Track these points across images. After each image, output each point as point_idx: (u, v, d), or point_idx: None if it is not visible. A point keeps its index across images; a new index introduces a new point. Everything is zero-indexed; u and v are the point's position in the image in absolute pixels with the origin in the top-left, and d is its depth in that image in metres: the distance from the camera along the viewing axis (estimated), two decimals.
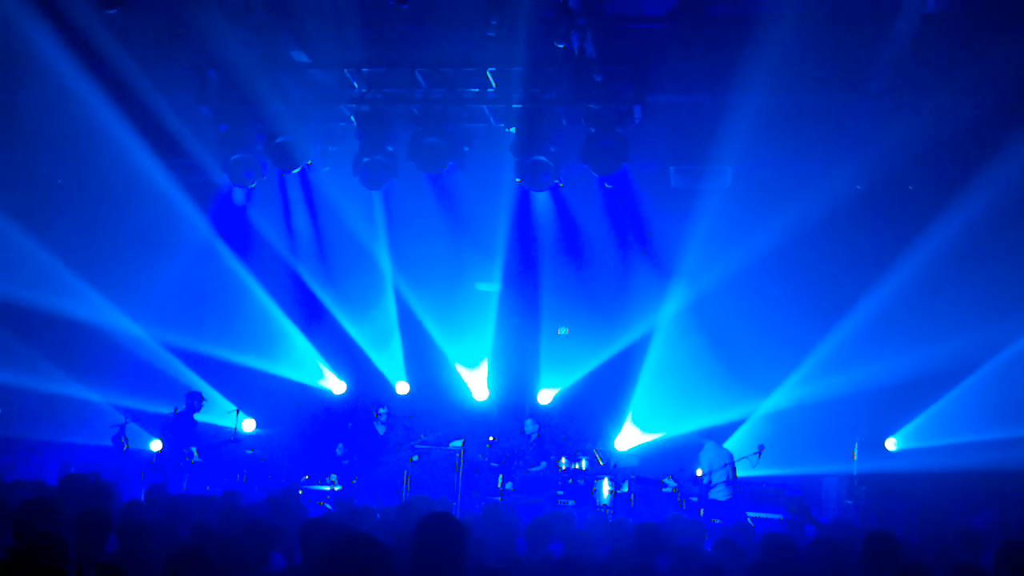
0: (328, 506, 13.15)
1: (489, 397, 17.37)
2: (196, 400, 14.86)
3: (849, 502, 14.60)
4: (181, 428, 14.57)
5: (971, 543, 8.97)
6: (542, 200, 15.86)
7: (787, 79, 12.72)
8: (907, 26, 12.27)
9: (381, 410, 15.69)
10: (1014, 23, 11.62)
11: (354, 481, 14.54)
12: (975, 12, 12.13)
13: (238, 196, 16.27)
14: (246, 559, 5.72)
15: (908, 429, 15.24)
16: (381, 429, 15.55)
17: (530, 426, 15.55)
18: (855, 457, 14.80)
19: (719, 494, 14.09)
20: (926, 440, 14.96)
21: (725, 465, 14.11)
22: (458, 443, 14.98)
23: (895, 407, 15.12)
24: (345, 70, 14.19)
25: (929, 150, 13.34)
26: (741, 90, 12.91)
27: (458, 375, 17.48)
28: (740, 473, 14.25)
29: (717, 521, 13.06)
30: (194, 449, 14.42)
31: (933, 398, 14.91)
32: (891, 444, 15.36)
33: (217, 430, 15.41)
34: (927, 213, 14.31)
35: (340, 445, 15.22)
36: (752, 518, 13.18)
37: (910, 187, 14.62)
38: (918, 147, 13.23)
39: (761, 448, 14.33)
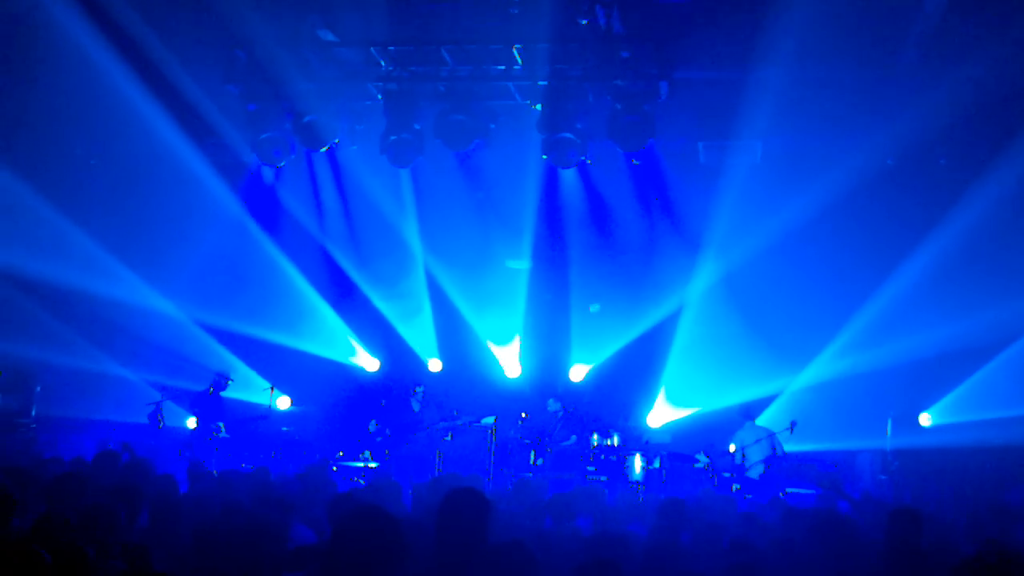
0: (361, 482, 13.32)
1: (521, 374, 17.42)
2: (223, 380, 15.04)
3: (883, 477, 14.52)
4: (209, 405, 14.78)
5: (1003, 519, 8.92)
6: (569, 177, 15.82)
7: (815, 52, 12.59)
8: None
9: (418, 388, 15.78)
10: None
11: (387, 455, 14.66)
12: None
13: (267, 175, 16.39)
14: (270, 533, 5.81)
15: (942, 404, 15.10)
16: (416, 406, 15.65)
17: (552, 405, 15.58)
18: (889, 432, 14.75)
19: (753, 472, 14.07)
20: (960, 415, 14.80)
21: (758, 440, 14.07)
22: (490, 420, 15.07)
23: (929, 381, 14.97)
24: (371, 48, 14.20)
25: (961, 123, 13.20)
26: (768, 64, 12.81)
27: (490, 352, 17.55)
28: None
29: (749, 496, 13.07)
30: (221, 425, 14.59)
31: (968, 372, 14.73)
32: (925, 419, 15.23)
33: (252, 407, 15.61)
34: (960, 186, 14.12)
35: (373, 422, 15.34)
36: (785, 494, 13.15)
37: (942, 160, 14.44)
38: (949, 120, 13.08)
39: (793, 424, 14.27)
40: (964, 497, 13.33)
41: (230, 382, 15.14)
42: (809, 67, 12.92)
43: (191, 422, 15.06)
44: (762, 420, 15.01)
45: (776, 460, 13.99)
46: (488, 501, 5.39)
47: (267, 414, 15.16)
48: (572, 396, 16.07)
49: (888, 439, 14.80)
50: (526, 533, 7.20)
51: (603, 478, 14.17)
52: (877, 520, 8.05)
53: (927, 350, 14.37)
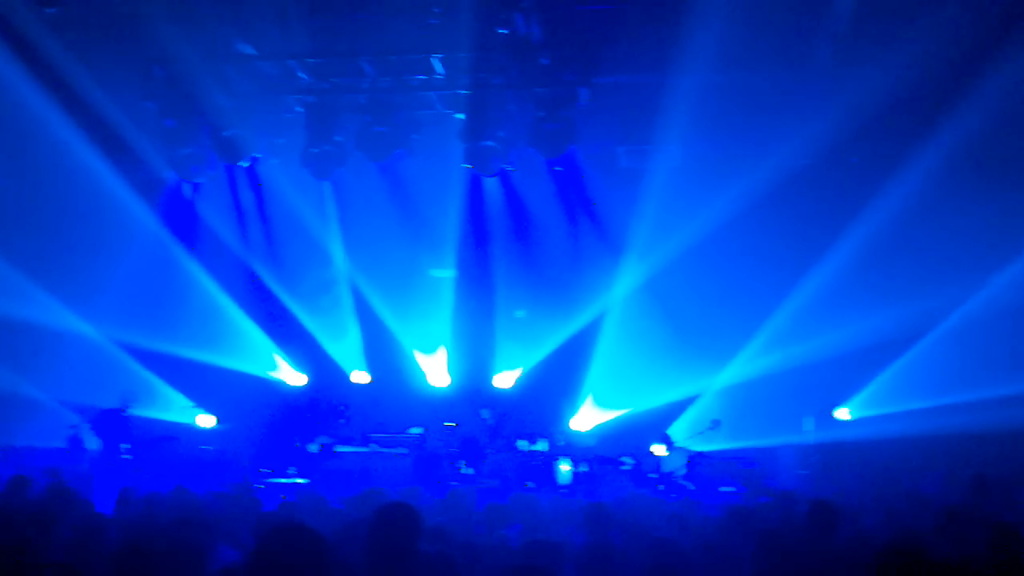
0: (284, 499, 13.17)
1: (448, 383, 17.42)
2: (127, 398, 14.75)
3: (803, 472, 14.84)
4: (114, 427, 14.43)
5: (918, 508, 9.18)
6: (492, 185, 15.90)
7: (731, 57, 12.80)
8: (848, 1, 12.40)
9: (342, 407, 15.70)
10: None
11: (310, 474, 14.54)
12: None
13: (186, 191, 16.18)
14: (192, 554, 5.74)
15: (859, 398, 15.50)
16: (341, 422, 15.56)
17: (485, 413, 15.64)
18: (808, 428, 15.09)
19: (677, 472, 14.29)
20: (876, 408, 15.22)
21: (686, 457, 14.32)
22: (418, 430, 15.07)
23: (846, 377, 15.35)
24: (290, 61, 14.12)
25: (872, 123, 13.49)
26: (686, 69, 12.98)
27: (416, 362, 17.52)
28: (696, 448, 14.48)
29: (675, 496, 13.25)
30: (126, 446, 14.31)
31: (881, 367, 15.17)
32: (843, 413, 15.61)
33: (162, 427, 15.34)
34: (872, 185, 14.51)
35: (298, 438, 15.20)
36: (708, 492, 13.37)
37: (854, 160, 14.80)
38: (861, 120, 13.38)
39: (716, 422, 14.58)
40: (881, 488, 13.67)
41: (132, 406, 14.78)
42: (725, 71, 13.12)
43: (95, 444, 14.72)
44: (687, 417, 15.28)
45: (699, 459, 14.22)
46: (417, 514, 5.39)
47: (176, 434, 14.89)
48: (503, 404, 16.12)
49: (807, 434, 15.15)
50: (455, 544, 7.22)
51: (530, 484, 14.24)
52: (797, 514, 8.24)
53: (843, 346, 14.73)
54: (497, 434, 15.32)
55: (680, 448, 14.64)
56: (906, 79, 12.89)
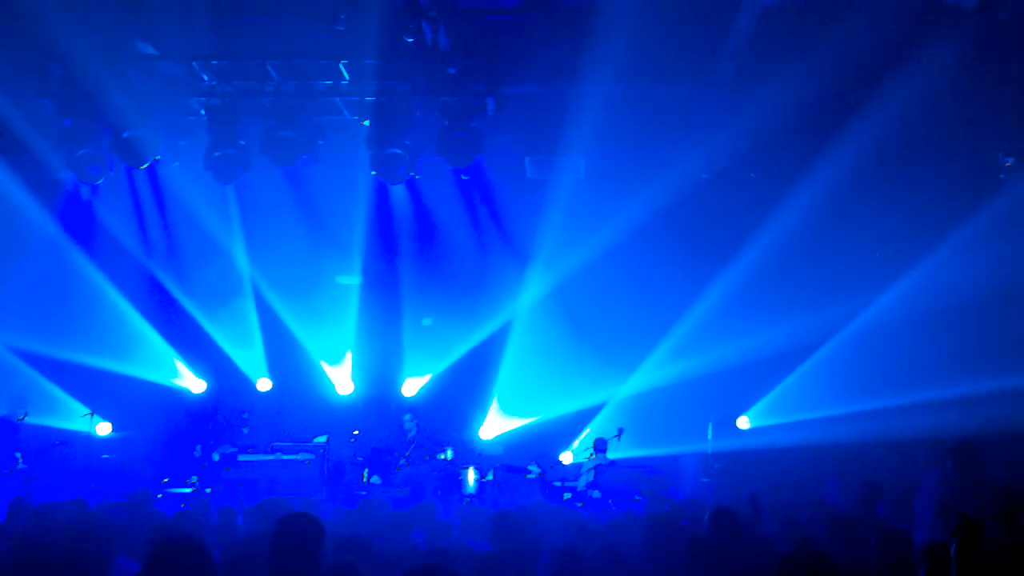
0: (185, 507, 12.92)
1: (354, 391, 17.29)
2: (20, 405, 14.29)
3: (705, 480, 15.11)
4: (6, 434, 13.97)
5: (816, 515, 9.42)
6: (399, 192, 15.85)
7: (635, 70, 12.99)
8: (748, 19, 12.65)
9: (244, 415, 15.45)
10: (847, 14, 12.11)
11: (212, 484, 14.27)
12: (813, 7, 12.58)
13: (84, 193, 15.75)
14: (90, 567, 5.60)
15: (758, 407, 15.86)
16: (245, 430, 15.31)
17: (408, 422, 15.56)
18: (710, 436, 15.38)
19: (582, 480, 14.42)
20: (775, 417, 15.60)
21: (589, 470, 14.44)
22: (322, 439, 14.91)
23: (746, 386, 15.70)
24: (194, 63, 13.79)
25: (770, 139, 13.81)
26: (592, 81, 13.12)
27: (321, 370, 17.35)
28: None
29: (581, 505, 13.38)
30: (18, 455, 13.86)
31: (781, 377, 15.56)
32: (743, 422, 15.94)
33: (70, 435, 14.93)
34: (772, 199, 14.85)
35: (199, 447, 14.92)
36: (613, 500, 13.53)
37: (753, 175, 15.14)
38: (760, 135, 13.69)
39: (620, 431, 14.75)
40: (779, 496, 13.99)
41: (25, 413, 14.32)
42: (630, 84, 13.30)
43: None
44: (593, 426, 15.44)
45: (604, 468, 14.36)
46: (321, 525, 5.36)
47: (70, 441, 14.49)
48: (421, 412, 16.07)
49: (709, 443, 15.44)
50: (363, 553, 7.17)
51: (436, 493, 14.21)
52: (698, 522, 8.38)
53: (744, 356, 15.07)
54: (419, 444, 15.21)
55: (600, 456, 14.74)
56: (804, 96, 13.17)
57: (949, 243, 14.17)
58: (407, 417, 15.64)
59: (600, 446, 14.82)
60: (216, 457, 14.80)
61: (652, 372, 15.96)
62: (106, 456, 15.17)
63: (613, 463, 14.51)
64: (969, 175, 14.33)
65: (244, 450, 14.91)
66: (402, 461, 14.90)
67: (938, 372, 14.17)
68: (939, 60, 12.20)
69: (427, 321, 17.46)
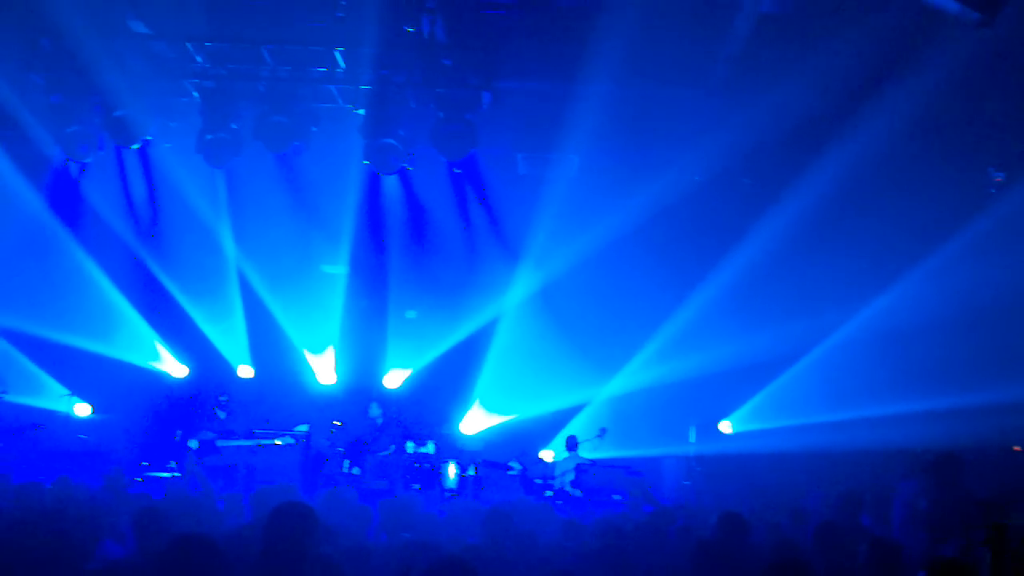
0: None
1: (336, 381, 17.21)
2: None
3: (686, 483, 15.14)
4: None
5: (798, 522, 9.43)
6: (390, 183, 15.78)
7: (631, 70, 13.01)
8: (744, 25, 12.69)
9: (222, 397, 15.33)
10: (843, 26, 12.15)
11: (193, 466, 14.16)
12: (808, 14, 12.61)
13: (73, 170, 15.59)
14: (76, 549, 5.54)
15: (741, 412, 15.90)
16: (222, 415, 15.20)
17: (375, 410, 15.50)
18: (692, 439, 15.41)
19: (564, 479, 14.41)
20: (758, 423, 15.65)
21: (578, 465, 14.44)
22: (303, 428, 14.83)
23: (730, 391, 15.73)
24: (188, 44, 13.71)
25: (763, 145, 13.86)
26: (587, 80, 13.15)
27: (304, 359, 17.26)
28: (584, 454, 14.64)
29: (561, 502, 13.37)
30: None
31: (764, 383, 15.59)
32: (725, 427, 15.98)
33: (48, 415, 14.81)
34: (761, 205, 14.90)
35: (179, 431, 14.81)
36: (595, 500, 13.53)
37: (745, 180, 15.16)
38: (753, 142, 13.74)
39: (603, 430, 14.77)
40: (760, 501, 14.02)
41: (5, 392, 14.18)
42: (625, 84, 13.32)
43: None
44: (573, 426, 15.42)
45: (586, 467, 14.36)
46: (315, 516, 5.31)
47: (40, 422, 14.37)
48: (392, 402, 16.02)
49: (691, 446, 15.47)
50: (349, 546, 7.11)
51: (416, 486, 14.17)
52: (681, 523, 8.38)
53: (728, 361, 15.09)
54: (385, 433, 15.17)
55: (572, 454, 14.76)
56: (798, 104, 13.24)
57: (937, 256, 14.24)
58: (373, 406, 15.57)
59: (571, 444, 14.83)
60: (194, 444, 14.67)
61: (636, 373, 15.97)
62: (83, 436, 15.04)
63: (593, 462, 14.51)
64: (960, 188, 14.42)
65: (222, 436, 14.81)
66: (382, 453, 14.82)
67: (919, 384, 14.25)
68: (933, 73, 12.26)
69: (411, 314, 17.40)
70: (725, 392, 15.69)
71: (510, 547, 6.75)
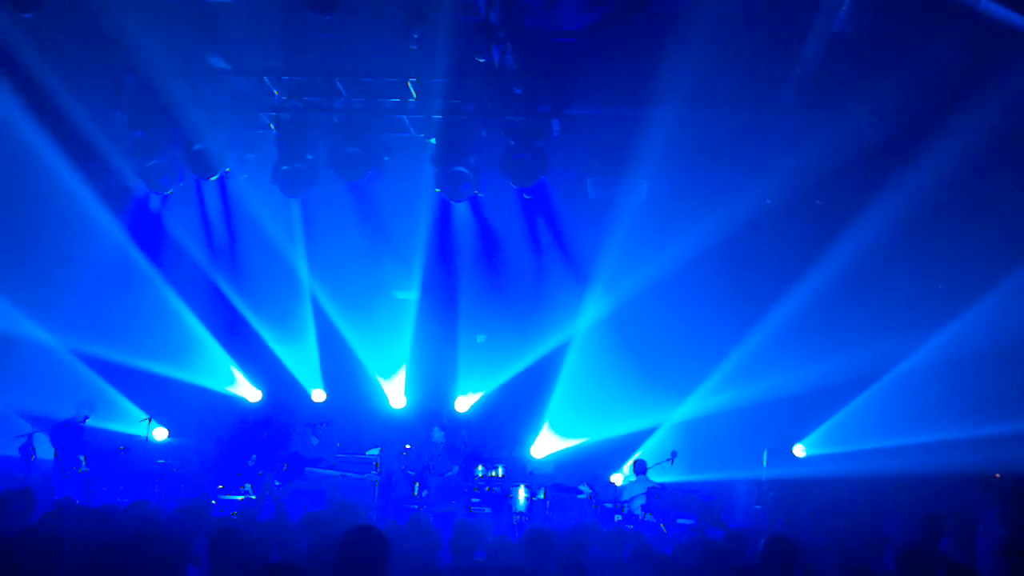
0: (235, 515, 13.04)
1: (406, 405, 17.39)
2: (84, 409, 14.51)
3: (758, 507, 14.99)
4: (69, 437, 14.17)
5: (874, 546, 9.34)
6: (461, 210, 15.97)
7: (701, 94, 13.02)
8: (816, 45, 12.62)
9: (318, 426, 15.59)
10: (918, 44, 12.04)
11: (268, 491, 14.40)
12: (881, 33, 12.50)
13: (154, 202, 16.05)
14: (164, 572, 5.68)
15: (815, 436, 15.71)
16: (315, 441, 15.47)
17: (437, 434, 15.63)
18: (764, 463, 15.26)
19: (635, 503, 14.38)
20: (832, 446, 15.44)
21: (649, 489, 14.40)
22: (375, 451, 15.00)
23: (803, 414, 15.57)
24: (265, 77, 14.13)
25: (836, 166, 13.73)
26: (656, 104, 13.17)
27: (375, 383, 17.47)
28: (653, 477, 14.60)
29: (632, 527, 13.32)
30: (82, 458, 14.08)
31: (839, 406, 15.39)
32: (799, 450, 15.80)
33: (116, 439, 15.17)
34: (834, 227, 14.75)
35: (254, 456, 15.08)
36: (665, 524, 13.47)
37: (817, 202, 15.04)
38: (826, 163, 13.60)
39: (674, 454, 14.68)
40: (835, 525, 13.84)
41: (88, 417, 14.53)
42: (694, 108, 13.33)
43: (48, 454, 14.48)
44: (644, 451, 15.38)
45: (656, 491, 14.31)
46: (386, 539, 5.36)
47: (127, 446, 14.74)
48: (456, 426, 16.13)
49: (763, 470, 15.32)
50: (421, 568, 7.21)
51: (487, 510, 14.24)
52: (751, 548, 8.34)
53: (802, 384, 14.93)
54: (451, 456, 15.27)
55: (640, 478, 14.73)
56: (869, 126, 13.16)
57: (1013, 278, 13.96)
58: (436, 430, 15.70)
59: (640, 468, 14.80)
60: (270, 467, 14.91)
61: (707, 397, 15.87)
62: (162, 461, 15.38)
63: (663, 486, 14.45)
64: None
65: (297, 460, 15.05)
66: (447, 474, 14.94)
67: (995, 407, 13.97)
68: (1009, 90, 12.08)
69: (481, 338, 17.52)
70: (798, 415, 15.53)
71: (552, 569, 6.79)
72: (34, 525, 7.87)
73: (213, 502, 13.49)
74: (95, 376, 15.98)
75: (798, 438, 15.80)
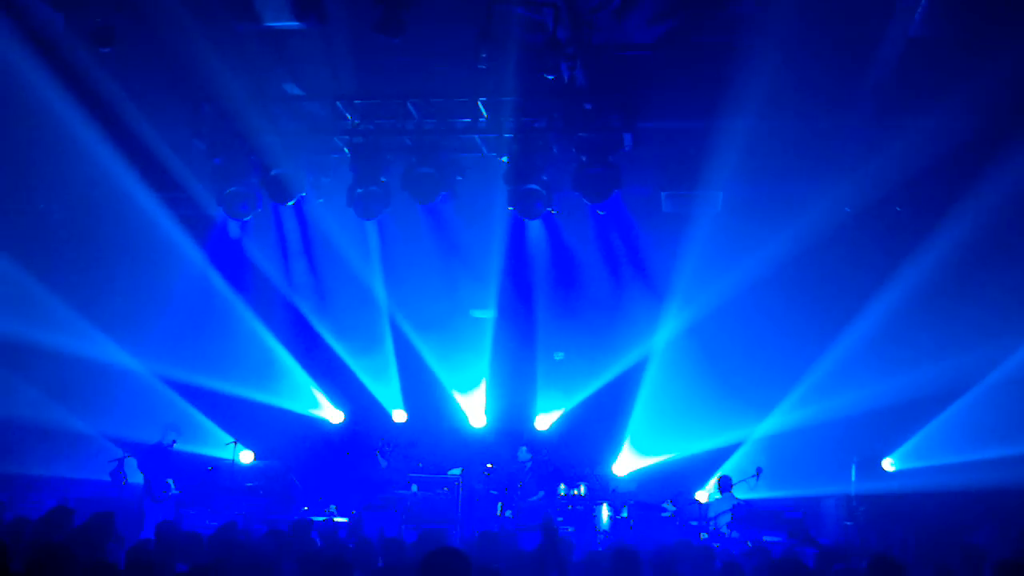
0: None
1: (486, 424, 17.40)
2: (172, 433, 14.77)
3: (848, 523, 14.64)
4: (158, 461, 14.38)
5: (971, 561, 9.02)
6: (535, 227, 15.95)
7: (774, 104, 12.81)
8: (892, 50, 12.39)
9: (385, 446, 15.69)
10: (997, 47, 11.74)
11: (353, 512, 14.52)
12: (959, 36, 12.24)
13: (233, 229, 16.35)
14: None
15: (904, 449, 15.30)
16: (384, 462, 15.56)
17: (524, 454, 15.60)
18: (853, 478, 14.91)
19: (721, 520, 14.17)
20: (922, 460, 15.02)
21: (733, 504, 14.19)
22: (456, 471, 15.03)
23: (891, 427, 15.18)
24: (338, 102, 14.31)
25: (916, 172, 13.44)
26: (729, 116, 13.02)
27: (455, 402, 17.53)
28: (738, 494, 14.37)
29: (718, 546, 13.11)
30: (171, 481, 14.32)
31: (928, 418, 14.98)
32: (888, 464, 15.41)
33: (214, 462, 15.44)
34: (917, 235, 14.43)
35: (341, 476, 15.21)
36: (752, 542, 13.22)
37: (898, 208, 14.71)
38: (905, 169, 13.35)
39: (759, 470, 14.45)
40: (928, 540, 13.47)
41: (176, 441, 14.77)
42: (768, 117, 13.11)
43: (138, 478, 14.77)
44: (728, 467, 15.14)
45: (743, 507, 14.07)
46: (469, 562, 5.34)
47: (215, 467, 14.98)
48: (540, 445, 16.07)
49: (852, 485, 14.95)
50: None
51: (570, 528, 14.14)
52: (846, 567, 8.13)
53: (889, 397, 14.58)
54: (537, 477, 15.23)
55: (726, 495, 14.51)
56: (950, 130, 12.86)
57: None
58: (523, 450, 15.65)
59: (725, 485, 14.57)
60: (352, 486, 15.03)
61: (791, 411, 15.57)
62: (249, 484, 15.60)
63: (748, 503, 14.21)
64: None
65: (380, 480, 15.16)
66: (532, 499, 14.87)
67: None
68: None
69: (559, 355, 17.47)
70: (886, 429, 15.13)
71: None
72: (140, 547, 8.04)
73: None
74: (181, 400, 16.32)
75: (887, 452, 15.40)
